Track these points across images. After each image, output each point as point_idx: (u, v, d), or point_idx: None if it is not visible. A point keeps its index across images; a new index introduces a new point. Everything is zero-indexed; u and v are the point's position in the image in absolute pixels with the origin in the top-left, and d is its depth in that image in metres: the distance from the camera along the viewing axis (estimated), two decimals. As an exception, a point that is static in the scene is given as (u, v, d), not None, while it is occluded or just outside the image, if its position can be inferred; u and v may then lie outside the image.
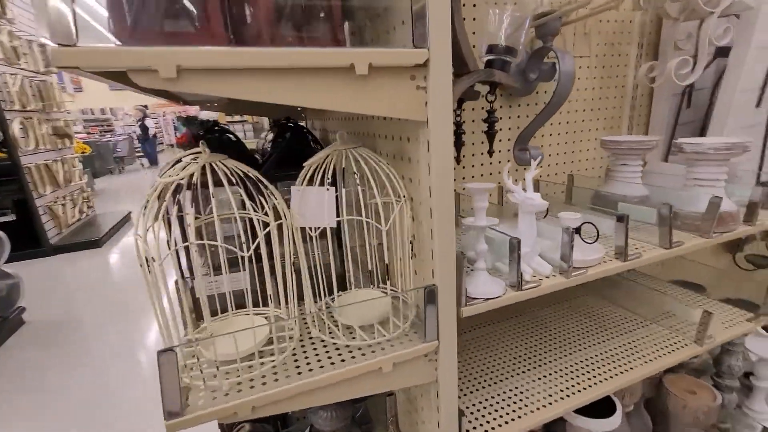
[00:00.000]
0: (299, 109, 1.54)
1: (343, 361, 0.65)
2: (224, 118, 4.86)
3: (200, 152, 0.60)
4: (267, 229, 0.60)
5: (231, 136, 1.18)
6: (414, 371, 0.70)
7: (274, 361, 0.65)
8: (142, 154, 9.77)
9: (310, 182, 0.68)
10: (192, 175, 0.59)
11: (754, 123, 1.26)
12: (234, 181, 0.60)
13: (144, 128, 9.09)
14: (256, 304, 0.79)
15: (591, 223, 0.82)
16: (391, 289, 0.80)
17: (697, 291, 1.35)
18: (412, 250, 0.72)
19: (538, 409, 0.90)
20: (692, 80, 1.12)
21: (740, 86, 1.19)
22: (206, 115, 6.37)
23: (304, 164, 0.68)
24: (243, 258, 0.62)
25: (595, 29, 1.27)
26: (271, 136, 1.15)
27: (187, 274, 0.79)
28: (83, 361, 2.35)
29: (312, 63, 0.51)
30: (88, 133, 9.66)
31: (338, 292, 0.80)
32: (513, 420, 0.88)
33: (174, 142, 11.72)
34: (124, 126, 11.00)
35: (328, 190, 0.62)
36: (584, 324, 1.21)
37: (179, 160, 0.60)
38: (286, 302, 0.68)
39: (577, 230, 0.80)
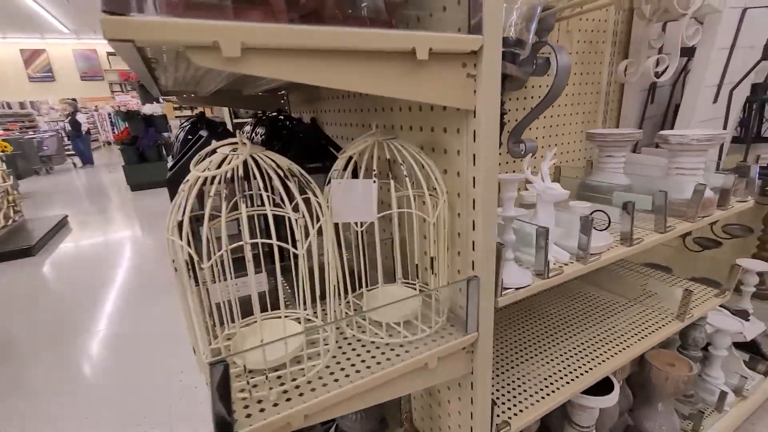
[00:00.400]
0: (283, 101, 1.48)
1: (389, 360, 0.63)
2: (172, 112, 4.53)
3: (236, 143, 0.54)
4: (318, 224, 0.56)
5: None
6: (454, 365, 0.70)
7: (317, 365, 0.61)
8: (73, 152, 8.84)
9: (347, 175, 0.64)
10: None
11: (713, 117, 1.40)
12: (279, 175, 0.55)
13: (75, 124, 8.21)
14: (274, 307, 0.74)
15: (603, 211, 0.86)
16: (421, 286, 0.78)
17: (666, 272, 1.47)
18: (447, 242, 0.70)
19: (548, 395, 0.93)
20: (668, 76, 1.21)
21: (704, 84, 1.31)
22: (150, 109, 5.93)
23: (339, 155, 0.65)
24: (288, 256, 0.58)
25: (575, 27, 1.34)
26: (262, 130, 1.08)
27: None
28: (11, 392, 2.07)
29: (377, 45, 0.48)
30: (6, 130, 8.58)
31: (365, 288, 0.77)
32: (527, 408, 0.90)
33: (111, 139, 10.73)
34: (49, 122, 9.89)
35: (374, 182, 0.59)
36: (576, 308, 1.27)
37: (214, 152, 0.55)
38: (317, 301, 0.64)
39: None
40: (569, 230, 0.88)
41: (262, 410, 0.54)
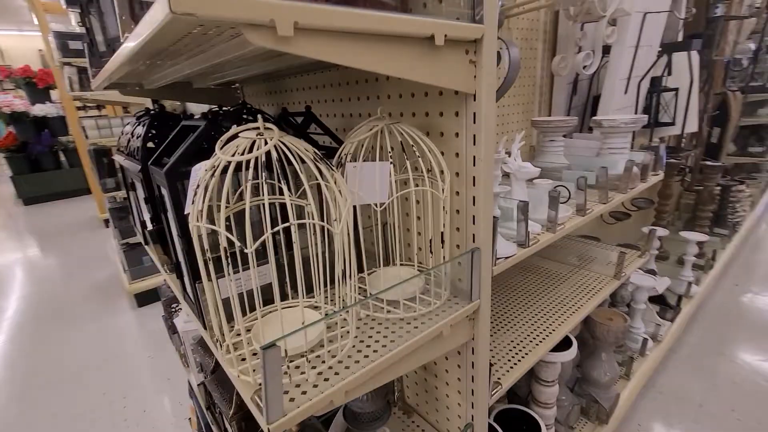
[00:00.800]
0: (238, 94, 1.41)
1: (408, 332, 0.66)
2: (74, 113, 4.02)
3: (257, 128, 0.53)
4: (349, 203, 0.57)
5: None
6: (461, 331, 0.75)
7: (346, 344, 0.62)
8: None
9: (353, 159, 0.66)
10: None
11: (625, 105, 1.63)
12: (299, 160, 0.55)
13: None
14: (284, 297, 0.73)
15: (565, 187, 0.97)
16: (419, 266, 0.82)
17: (596, 241, 1.69)
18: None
19: (525, 356, 1.03)
20: (593, 70, 1.39)
21: (618, 77, 1.52)
22: (41, 110, 5.17)
23: (350, 138, 0.66)
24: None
25: (514, 25, 1.47)
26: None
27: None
28: None
29: (405, 30, 0.50)
30: None
31: (366, 272, 0.79)
32: (511, 368, 0.99)
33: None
34: None
35: (390, 163, 0.62)
36: (532, 280, 1.41)
37: (236, 136, 0.53)
38: (322, 288, 0.65)
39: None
40: (535, 204, 0.98)
41: (304, 392, 0.54)
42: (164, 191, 0.68)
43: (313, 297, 0.73)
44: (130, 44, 0.53)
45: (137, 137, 0.96)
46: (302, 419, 0.53)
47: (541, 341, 1.08)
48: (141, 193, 1.00)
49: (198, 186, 0.51)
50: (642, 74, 1.61)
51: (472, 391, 0.84)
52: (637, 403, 1.71)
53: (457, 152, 0.71)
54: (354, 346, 0.63)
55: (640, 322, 1.85)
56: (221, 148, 0.51)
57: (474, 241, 0.73)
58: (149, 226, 0.97)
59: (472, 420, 0.87)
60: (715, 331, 2.16)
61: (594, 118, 1.26)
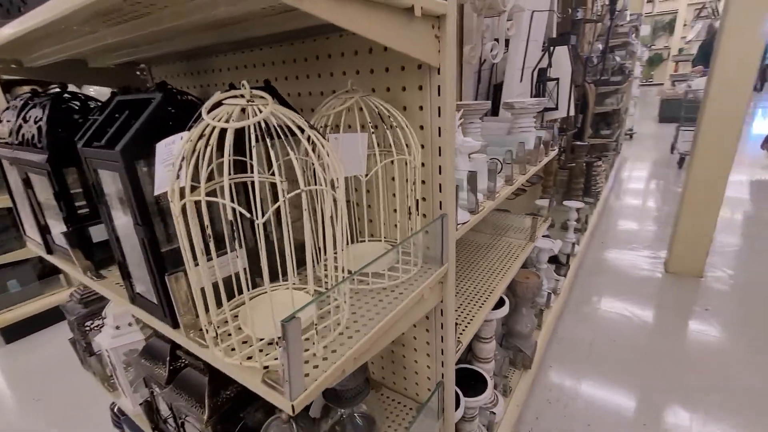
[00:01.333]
0: (144, 75, 1.25)
1: (396, 299, 0.69)
2: None
3: (241, 95, 0.50)
4: (340, 172, 0.56)
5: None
6: (434, 294, 0.80)
7: (343, 317, 0.62)
8: None
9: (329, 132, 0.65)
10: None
11: (521, 92, 1.86)
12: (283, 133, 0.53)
13: None
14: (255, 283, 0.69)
15: (498, 159, 1.09)
16: (387, 240, 0.85)
17: (507, 212, 1.91)
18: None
19: (474, 315, 1.14)
20: (500, 59, 1.56)
21: (515, 67, 1.73)
22: None
23: (321, 113, 0.65)
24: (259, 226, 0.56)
25: (428, 15, 1.57)
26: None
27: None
28: None
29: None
30: None
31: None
32: (465, 328, 1.08)
33: None
34: None
35: (369, 134, 0.62)
36: (463, 248, 1.54)
37: (219, 103, 0.48)
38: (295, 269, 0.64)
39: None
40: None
41: (315, 366, 0.53)
42: (111, 176, 0.59)
43: (287, 279, 0.70)
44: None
45: (35, 122, 0.80)
46: (318, 393, 0.52)
47: (484, 302, 1.19)
48: (45, 190, 0.83)
49: (183, 158, 0.46)
50: (533, 65, 1.86)
51: (442, 350, 0.90)
52: (547, 348, 1.99)
53: (421, 125, 0.75)
54: (350, 318, 0.64)
55: (545, 280, 2.14)
56: (208, 114, 0.47)
57: (441, 208, 0.78)
58: (63, 229, 0.82)
59: (443, 378, 0.93)
60: (591, 282, 2.61)
61: (505, 101, 1.42)
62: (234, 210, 0.47)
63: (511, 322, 1.67)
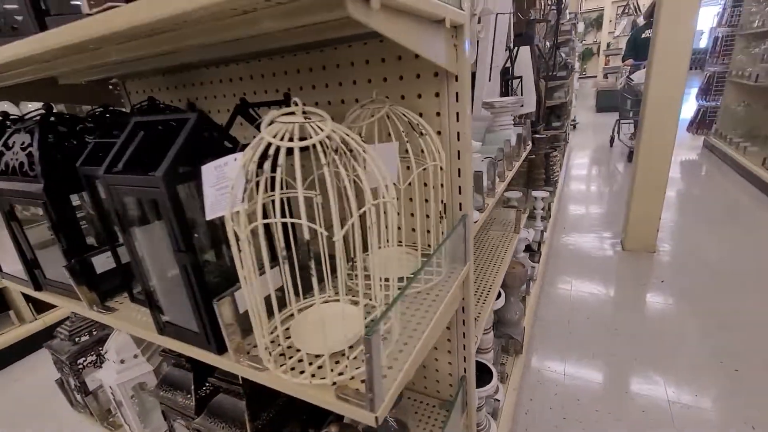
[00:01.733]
0: (117, 91, 1.17)
1: (434, 300, 0.70)
2: None
3: (293, 112, 0.49)
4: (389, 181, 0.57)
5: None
6: (459, 294, 0.83)
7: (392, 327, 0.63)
8: None
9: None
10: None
11: (490, 91, 1.94)
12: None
13: None
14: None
15: (492, 158, 1.13)
16: (408, 244, 0.86)
17: (486, 207, 1.98)
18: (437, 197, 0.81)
19: (482, 308, 1.18)
20: (473, 60, 1.62)
21: (485, 66, 1.81)
22: None
23: (349, 122, 0.65)
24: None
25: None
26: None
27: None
28: None
29: (430, 10, 0.53)
30: None
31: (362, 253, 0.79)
32: (476, 319, 1.12)
33: None
34: None
35: (398, 144, 0.64)
36: (453, 246, 1.59)
37: (271, 122, 0.48)
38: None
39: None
40: (471, 177, 1.12)
41: (383, 376, 0.54)
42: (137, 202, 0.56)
43: (327, 290, 0.70)
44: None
45: (22, 148, 0.73)
46: (391, 403, 0.52)
47: (487, 296, 1.24)
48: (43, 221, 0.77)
49: (247, 180, 0.45)
50: (500, 65, 1.94)
51: (464, 346, 0.93)
52: (532, 332, 2.10)
53: (439, 130, 0.77)
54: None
55: (528, 268, 2.25)
56: (267, 130, 0.46)
57: (461, 210, 0.81)
58: (58, 261, 0.75)
59: (465, 372, 0.96)
60: (559, 265, 2.78)
61: (485, 100, 1.48)
62: (285, 228, 0.47)
63: (502, 310, 1.74)
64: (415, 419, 0.99)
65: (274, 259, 0.62)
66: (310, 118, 0.48)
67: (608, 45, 10.33)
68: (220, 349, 0.60)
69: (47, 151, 0.72)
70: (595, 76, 10.28)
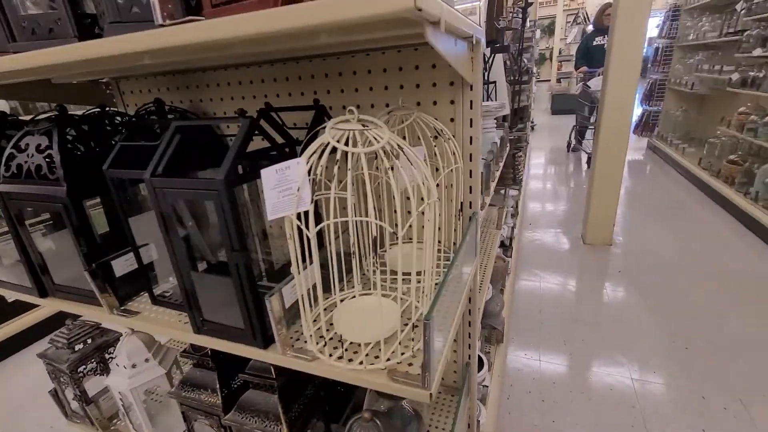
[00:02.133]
0: (109, 90, 1.14)
1: (454, 292, 0.77)
2: None
3: (348, 120, 0.53)
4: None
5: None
6: (471, 283, 0.90)
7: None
8: None
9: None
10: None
11: (470, 95, 2.04)
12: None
13: None
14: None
15: (484, 159, 1.22)
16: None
17: (466, 205, 2.08)
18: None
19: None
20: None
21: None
22: None
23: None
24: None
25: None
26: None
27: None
28: None
29: (465, 28, 0.59)
30: None
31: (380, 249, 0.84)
32: (466, 312, 1.20)
33: None
34: None
35: (434, 146, 0.69)
36: (441, 243, 1.66)
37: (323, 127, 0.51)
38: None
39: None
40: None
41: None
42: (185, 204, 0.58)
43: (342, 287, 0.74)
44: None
45: (39, 151, 0.71)
46: (439, 382, 0.58)
47: (480, 287, 1.33)
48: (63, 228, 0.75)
49: (314, 182, 0.49)
50: (477, 70, 2.05)
51: (469, 334, 1.01)
52: (509, 323, 2.23)
53: (453, 135, 0.84)
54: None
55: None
56: (331, 136, 0.50)
57: (471, 208, 0.88)
58: (86, 267, 0.74)
59: (469, 359, 1.04)
60: (528, 260, 2.95)
61: (470, 105, 1.57)
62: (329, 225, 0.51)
63: (486, 303, 1.85)
64: (423, 404, 1.05)
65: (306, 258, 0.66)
66: (367, 126, 0.53)
67: (560, 51, 10.93)
68: (266, 343, 0.63)
69: (68, 154, 0.70)
70: (549, 81, 10.85)
